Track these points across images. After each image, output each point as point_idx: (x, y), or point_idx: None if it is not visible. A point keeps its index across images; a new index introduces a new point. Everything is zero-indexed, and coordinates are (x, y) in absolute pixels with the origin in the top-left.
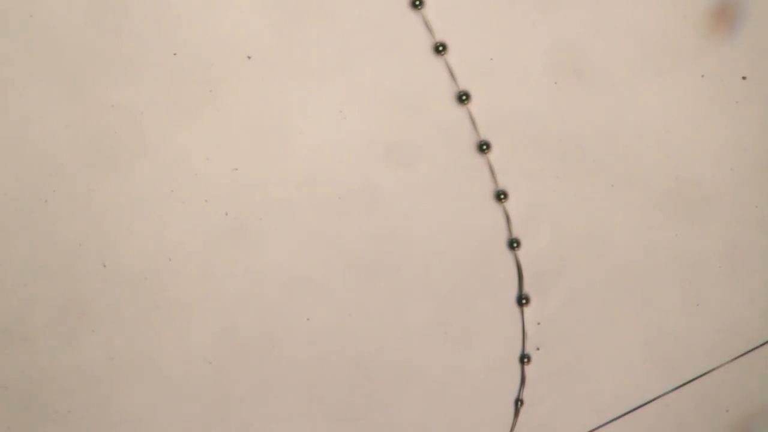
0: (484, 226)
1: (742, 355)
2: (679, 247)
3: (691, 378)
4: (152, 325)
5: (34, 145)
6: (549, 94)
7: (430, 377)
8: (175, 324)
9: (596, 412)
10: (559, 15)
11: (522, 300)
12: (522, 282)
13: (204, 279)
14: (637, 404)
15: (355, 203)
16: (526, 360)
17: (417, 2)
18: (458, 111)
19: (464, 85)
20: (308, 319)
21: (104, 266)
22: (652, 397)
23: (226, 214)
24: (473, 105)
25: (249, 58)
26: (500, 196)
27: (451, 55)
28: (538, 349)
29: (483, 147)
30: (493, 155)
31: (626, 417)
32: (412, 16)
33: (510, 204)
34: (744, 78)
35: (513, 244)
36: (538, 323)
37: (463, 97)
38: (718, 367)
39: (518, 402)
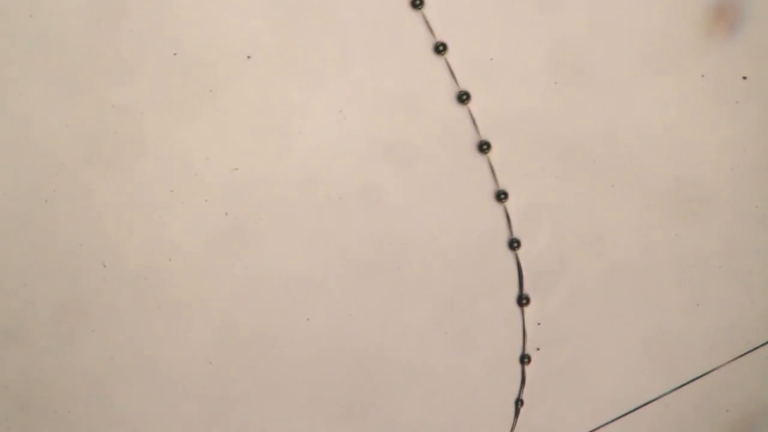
0: (484, 226)
1: (742, 355)
2: (679, 247)
3: (691, 378)
4: (152, 325)
5: (34, 144)
6: (549, 94)
7: (430, 377)
8: (175, 324)
9: (596, 412)
10: (559, 15)
11: (522, 300)
12: (522, 282)
13: (204, 279)
14: (638, 404)
15: (355, 203)
16: (526, 360)
17: (417, 2)
18: (458, 111)
19: (464, 85)
20: (308, 319)
21: (104, 266)
22: (652, 398)
23: (226, 214)
24: (473, 105)
25: (249, 57)
26: (500, 196)
27: (451, 55)
28: (538, 349)
29: (483, 147)
30: (494, 155)
31: (626, 417)
32: (412, 15)
33: (510, 204)
34: (744, 78)
35: (513, 244)
36: (539, 323)
37: (463, 97)
38: (718, 368)
39: (518, 402)
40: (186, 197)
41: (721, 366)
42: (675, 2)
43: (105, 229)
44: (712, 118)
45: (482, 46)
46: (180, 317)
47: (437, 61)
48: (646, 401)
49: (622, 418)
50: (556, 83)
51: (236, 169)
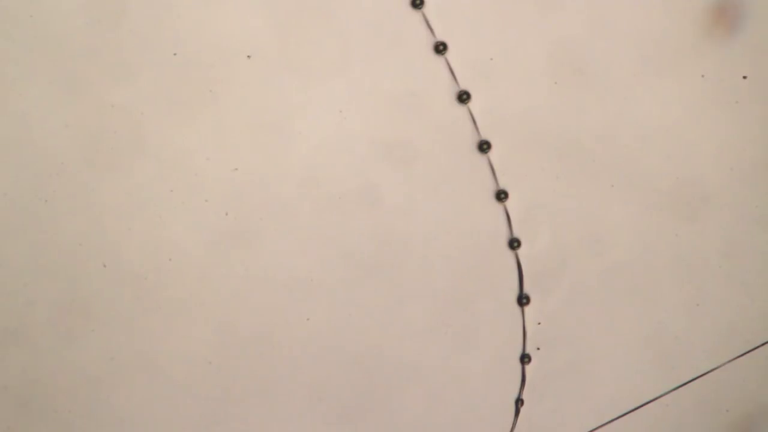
0: (485, 225)
1: (742, 355)
2: (679, 247)
3: (691, 378)
4: (152, 325)
5: (34, 145)
6: (549, 94)
7: (430, 377)
8: (175, 324)
9: (597, 411)
10: (559, 15)
11: (522, 300)
12: (522, 281)
13: (204, 279)
14: (638, 404)
15: (355, 203)
16: (526, 360)
17: (417, 1)
18: (458, 110)
19: (464, 85)
20: (308, 319)
21: (104, 266)
22: (652, 397)
23: (226, 214)
24: (473, 104)
25: (249, 57)
26: (501, 195)
27: (451, 54)
28: (538, 348)
29: (483, 146)
30: (494, 155)
31: (626, 417)
32: (412, 15)
33: (510, 204)
34: (744, 77)
35: (513, 243)
36: (539, 323)
37: (463, 96)
38: (718, 366)
39: (519, 401)
40: (186, 197)
41: (721, 365)
42: (675, 2)
43: (105, 229)
44: (712, 118)
45: (482, 46)
46: (180, 317)
47: (437, 60)
48: (646, 401)
49: (622, 418)
50: (556, 83)
51: (236, 169)
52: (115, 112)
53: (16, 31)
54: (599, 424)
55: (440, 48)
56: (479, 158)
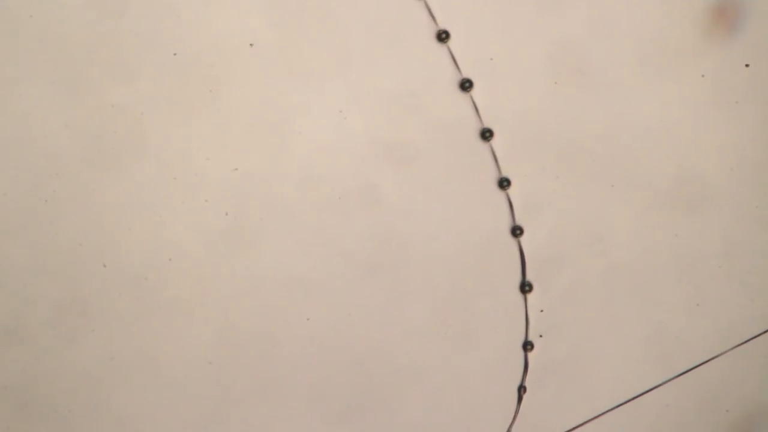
0: (487, 214)
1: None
2: (679, 247)
3: (691, 367)
4: (152, 324)
5: (34, 144)
6: (549, 94)
7: (431, 376)
8: (175, 324)
9: (599, 398)
10: (559, 15)
11: (525, 287)
12: (525, 269)
13: (204, 279)
14: (641, 391)
15: (355, 203)
16: (529, 347)
17: None
18: (460, 106)
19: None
20: (308, 319)
21: (104, 266)
22: (654, 385)
23: (226, 214)
24: (476, 94)
25: (249, 57)
26: (503, 183)
27: (453, 43)
28: (540, 336)
29: (486, 134)
30: (496, 144)
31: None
32: (414, 8)
33: (512, 193)
34: (747, 65)
35: (516, 231)
36: (541, 310)
37: (466, 84)
38: (717, 356)
39: (521, 389)
40: (186, 197)
41: (721, 355)
42: (675, 2)
43: (105, 229)
44: (712, 118)
45: (483, 45)
46: (180, 317)
47: (437, 59)
48: (649, 388)
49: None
50: (556, 83)
51: (236, 169)
52: (115, 112)
53: (16, 31)
54: (602, 411)
55: (443, 36)
56: (480, 152)
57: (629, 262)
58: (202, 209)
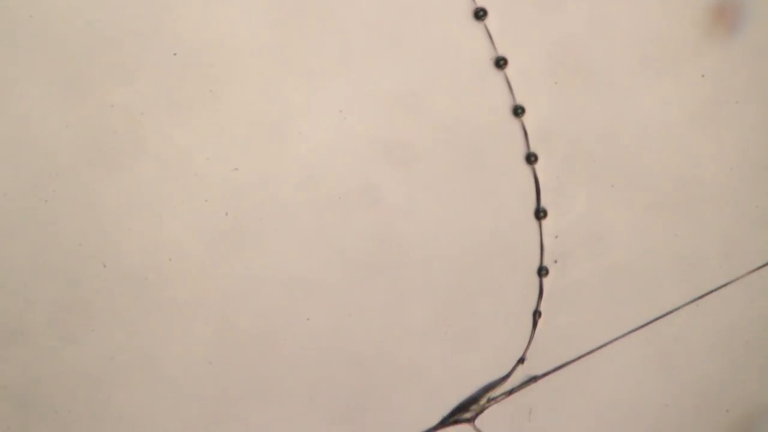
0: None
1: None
2: (679, 247)
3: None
4: (152, 325)
5: (34, 145)
6: (549, 94)
7: (431, 375)
8: (175, 324)
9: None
10: (559, 15)
11: (540, 213)
12: (539, 195)
13: (204, 279)
14: (658, 315)
15: (355, 203)
16: (544, 272)
17: None
18: (459, 111)
19: (467, 83)
20: (308, 319)
21: (104, 266)
22: (673, 308)
23: (226, 214)
24: (476, 102)
25: (249, 57)
26: (517, 111)
27: (454, 55)
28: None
29: (518, 110)
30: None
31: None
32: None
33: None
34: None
35: (531, 158)
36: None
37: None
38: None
39: (536, 314)
40: (186, 197)
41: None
42: (675, 2)
43: (105, 229)
44: (712, 118)
45: (484, 45)
46: (180, 317)
47: (438, 56)
48: (667, 311)
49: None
50: (556, 83)
51: (236, 169)
52: (115, 112)
53: (16, 31)
54: (618, 335)
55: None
56: (480, 155)
57: (629, 262)
58: (202, 209)
